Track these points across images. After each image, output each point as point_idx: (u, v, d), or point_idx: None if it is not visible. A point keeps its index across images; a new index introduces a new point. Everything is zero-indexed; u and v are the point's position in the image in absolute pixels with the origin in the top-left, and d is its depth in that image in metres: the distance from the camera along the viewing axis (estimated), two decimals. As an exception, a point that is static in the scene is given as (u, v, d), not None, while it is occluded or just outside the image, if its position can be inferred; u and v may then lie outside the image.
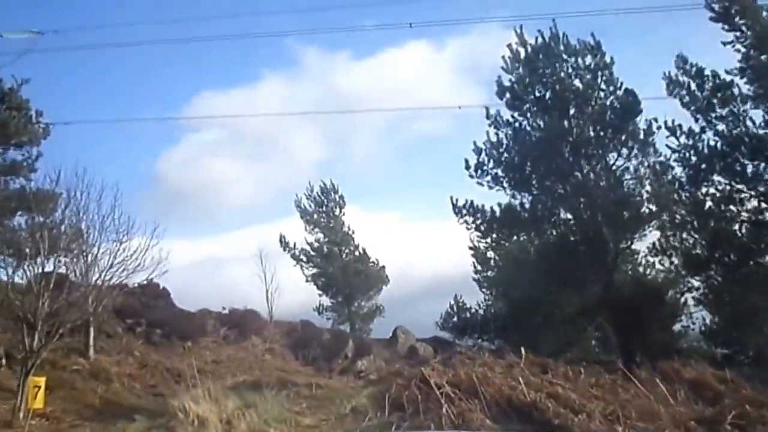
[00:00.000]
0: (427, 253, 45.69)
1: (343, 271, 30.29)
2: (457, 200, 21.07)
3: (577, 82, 19.49)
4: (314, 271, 31.00)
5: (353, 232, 31.61)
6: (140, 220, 17.82)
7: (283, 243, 31.12)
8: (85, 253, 17.47)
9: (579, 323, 22.07)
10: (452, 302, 30.42)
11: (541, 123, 19.55)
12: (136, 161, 50.26)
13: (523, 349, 14.70)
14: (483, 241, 25.37)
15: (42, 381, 13.11)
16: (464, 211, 20.98)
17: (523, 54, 19.80)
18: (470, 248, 29.85)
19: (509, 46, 19.93)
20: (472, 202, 20.84)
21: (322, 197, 32.29)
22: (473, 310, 30.16)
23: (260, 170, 52.56)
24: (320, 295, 30.89)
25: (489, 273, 28.26)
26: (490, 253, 27.02)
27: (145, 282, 21.54)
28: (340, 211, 32.29)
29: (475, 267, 29.76)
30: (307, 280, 30.82)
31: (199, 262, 37.96)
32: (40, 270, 14.88)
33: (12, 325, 14.78)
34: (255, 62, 56.06)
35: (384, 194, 59.00)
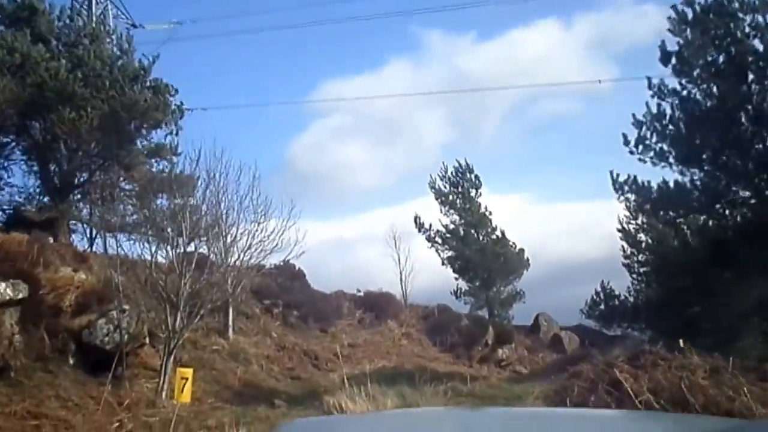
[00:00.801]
0: (562, 235, 44.15)
1: (482, 254, 29.41)
2: (617, 175, 19.53)
3: (756, 43, 17.43)
4: (450, 253, 30.32)
5: (490, 214, 30.65)
6: (277, 201, 17.99)
7: (418, 224, 30.67)
8: (224, 234, 17.79)
9: (749, 317, 20.04)
10: (598, 288, 29.06)
11: (714, 90, 17.66)
12: (267, 147, 51.69)
13: (681, 342, 13.40)
14: (634, 222, 23.77)
15: (189, 373, 12.82)
16: (626, 188, 19.43)
17: (690, 15, 17.96)
18: (619, 230, 28.21)
19: (674, 7, 18.14)
20: (635, 177, 19.23)
21: (457, 177, 31.48)
22: (622, 297, 28.62)
23: (386, 154, 52.82)
24: (456, 279, 30.21)
25: (641, 257, 26.58)
26: (642, 236, 25.39)
27: (281, 263, 21.92)
28: (476, 192, 31.38)
29: (624, 250, 28.14)
30: (443, 263, 30.22)
31: (328, 244, 38.47)
32: (181, 250, 15.09)
33: (155, 305, 15.08)
34: (379, 48, 56.13)
35: (512, 175, 57.52)
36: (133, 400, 13.28)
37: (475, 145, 52.26)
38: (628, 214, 27.80)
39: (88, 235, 22.64)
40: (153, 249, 15.72)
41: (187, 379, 12.17)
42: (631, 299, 28.54)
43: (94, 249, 20.84)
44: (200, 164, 17.10)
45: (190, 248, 15.56)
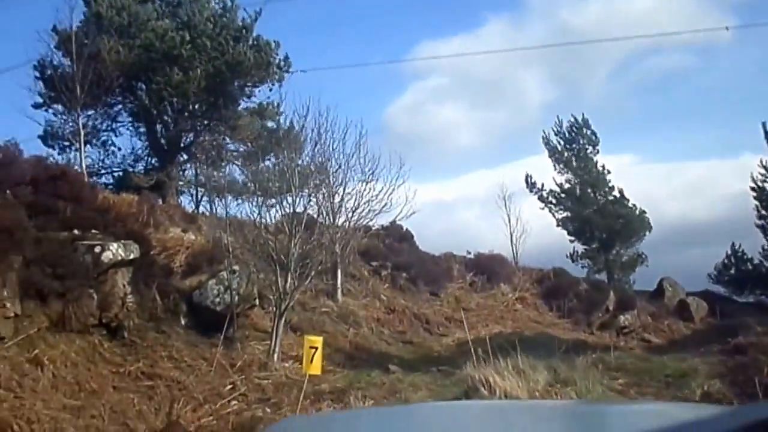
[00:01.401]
0: (678, 196, 41.79)
1: (600, 215, 27.97)
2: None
3: None
4: (565, 214, 29.02)
5: (608, 173, 29.04)
6: (383, 160, 17.45)
7: (529, 184, 29.46)
8: (332, 194, 17.46)
9: None
10: (728, 251, 27.23)
11: None
12: (364, 109, 51.30)
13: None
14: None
15: (319, 342, 11.13)
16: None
17: None
18: (753, 188, 26.26)
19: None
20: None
21: (572, 134, 29.96)
22: (756, 261, 26.72)
23: (485, 115, 51.33)
24: (572, 241, 28.92)
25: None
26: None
27: (388, 224, 21.48)
28: (593, 149, 29.78)
29: (758, 210, 26.20)
30: (557, 224, 28.98)
31: (427, 206, 37.77)
32: (290, 210, 14.83)
33: (264, 266, 14.94)
34: (477, 7, 54.10)
35: (620, 135, 54.70)
36: (245, 362, 13.20)
37: (579, 104, 50.16)
38: (764, 171, 25.84)
39: (196, 197, 22.94)
40: (262, 209, 15.53)
41: (316, 348, 10.69)
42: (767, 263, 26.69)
43: (201, 210, 21.08)
44: (307, 122, 16.74)
45: (299, 209, 15.21)
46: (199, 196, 22.63)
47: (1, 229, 11.85)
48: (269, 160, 21.96)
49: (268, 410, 11.59)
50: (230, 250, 14.45)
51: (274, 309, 13.98)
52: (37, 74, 20.69)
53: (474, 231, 37.73)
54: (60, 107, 20.56)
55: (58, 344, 11.84)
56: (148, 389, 11.47)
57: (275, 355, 13.59)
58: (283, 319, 13.85)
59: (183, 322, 14.18)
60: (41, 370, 10.55)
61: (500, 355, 12.05)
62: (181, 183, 22.41)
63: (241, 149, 22.97)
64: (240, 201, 19.30)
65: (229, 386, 12.24)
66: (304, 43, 46.66)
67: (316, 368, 10.11)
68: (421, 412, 3.73)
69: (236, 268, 14.70)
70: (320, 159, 16.99)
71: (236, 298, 14.36)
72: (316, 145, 16.72)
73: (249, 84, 21.72)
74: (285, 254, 13.80)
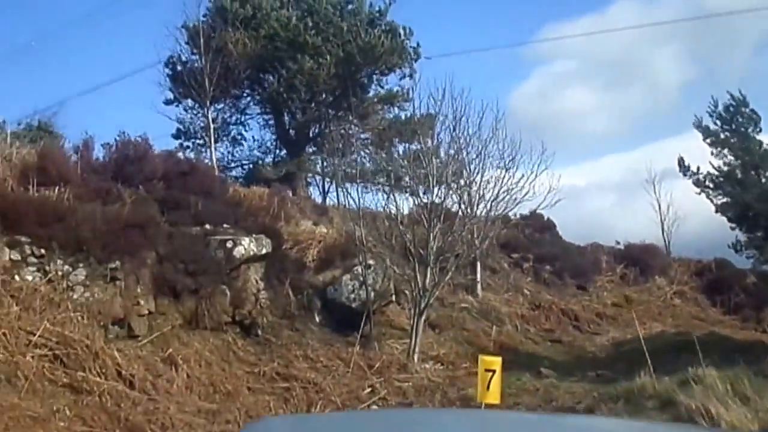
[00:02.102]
0: None
1: (766, 200, 25.43)
2: None
3: None
4: (724, 199, 26.61)
5: (773, 153, 26.35)
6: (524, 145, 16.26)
7: (683, 167, 27.22)
8: (469, 182, 16.51)
9: None
10: None
11: None
12: (487, 96, 49.76)
13: None
14: None
15: (497, 363, 8.27)
16: None
17: None
18: None
19: None
20: None
21: (730, 113, 27.40)
22: None
23: (616, 98, 48.56)
24: (733, 229, 26.45)
25: None
26: None
27: (528, 213, 20.27)
28: (755, 128, 27.11)
29: None
30: (716, 211, 26.60)
31: (562, 192, 35.80)
32: (428, 200, 14.05)
33: (398, 259, 14.29)
34: None
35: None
36: (383, 362, 12.57)
37: (721, 83, 46.34)
38: None
39: (323, 188, 22.66)
40: (396, 200, 14.84)
41: (493, 372, 8.24)
42: None
43: (330, 201, 20.75)
44: (442, 107, 15.83)
45: (435, 199, 14.39)
46: (328, 187, 22.35)
47: (135, 224, 11.78)
48: (399, 147, 21.64)
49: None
50: (364, 243, 13.83)
51: (413, 306, 13.26)
52: (168, 71, 21.09)
53: (611, 218, 35.66)
54: (190, 102, 20.80)
55: (192, 342, 11.66)
56: (284, 391, 11.03)
57: (415, 356, 12.89)
58: (423, 317, 13.09)
59: (317, 319, 13.77)
60: (175, 370, 10.32)
61: (669, 359, 10.74)
62: (310, 174, 22.15)
63: (370, 138, 22.44)
64: (370, 191, 18.76)
65: (368, 389, 11.63)
66: (425, 29, 45.90)
67: (494, 396, 7.87)
68: (402, 418, 3.70)
69: (372, 262, 14.10)
70: (455, 145, 16.06)
71: (372, 294, 13.76)
72: (454, 130, 15.78)
73: (380, 70, 21.10)
74: (423, 247, 13.01)
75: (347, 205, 17.25)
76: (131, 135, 14.82)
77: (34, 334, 8.71)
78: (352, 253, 14.71)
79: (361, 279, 13.89)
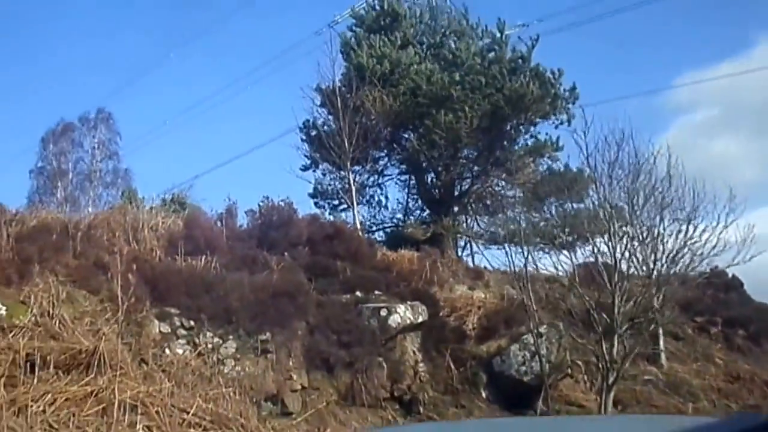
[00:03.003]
0: None
1: None
2: None
3: None
4: None
5: None
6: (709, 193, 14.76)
7: None
8: (641, 237, 15.19)
9: None
10: None
11: None
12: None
13: None
14: None
15: None
16: None
17: None
18: None
19: None
20: None
21: None
22: None
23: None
24: None
25: None
26: None
27: (707, 270, 18.49)
28: None
29: None
30: None
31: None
32: (609, 260, 12.91)
33: (572, 327, 13.21)
34: (743, 25, 48.22)
35: None
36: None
37: None
38: None
39: (470, 249, 21.83)
40: (568, 260, 13.79)
41: None
42: None
43: (478, 262, 19.87)
44: (595, 156, 14.69)
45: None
46: (478, 247, 21.53)
47: (284, 293, 11.38)
48: (554, 203, 20.57)
49: None
50: (534, 309, 12.83)
51: (600, 380, 12.03)
52: (303, 136, 21.23)
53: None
54: (328, 165, 20.72)
55: (349, 420, 11.06)
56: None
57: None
58: (612, 394, 11.81)
59: (483, 394, 12.80)
60: (335, 451, 9.62)
61: None
62: (458, 234, 21.39)
63: (520, 194, 21.49)
64: (527, 251, 17.74)
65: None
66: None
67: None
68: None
69: (543, 330, 13.03)
70: (614, 197, 14.82)
71: (547, 366, 12.64)
72: (617, 182, 14.59)
73: (528, 120, 20.29)
74: (607, 312, 11.84)
75: (505, 267, 16.41)
76: (274, 200, 14.66)
77: (188, 412, 8.25)
78: (517, 320, 13.71)
79: (533, 349, 12.82)
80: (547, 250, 17.86)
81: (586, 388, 13.14)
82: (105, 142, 28.12)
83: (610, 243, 13.51)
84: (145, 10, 47.33)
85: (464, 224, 21.95)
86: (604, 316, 11.84)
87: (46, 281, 8.72)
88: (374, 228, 22.18)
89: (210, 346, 9.87)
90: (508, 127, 20.53)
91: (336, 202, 21.51)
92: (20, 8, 44.46)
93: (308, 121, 21.24)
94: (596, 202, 14.75)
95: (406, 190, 22.64)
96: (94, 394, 7.65)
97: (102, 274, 9.49)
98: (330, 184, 21.55)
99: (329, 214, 21.00)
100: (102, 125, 28.17)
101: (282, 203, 14.47)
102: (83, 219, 10.93)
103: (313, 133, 21.14)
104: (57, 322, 8.34)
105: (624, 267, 13.82)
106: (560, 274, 15.22)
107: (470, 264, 19.18)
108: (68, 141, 27.79)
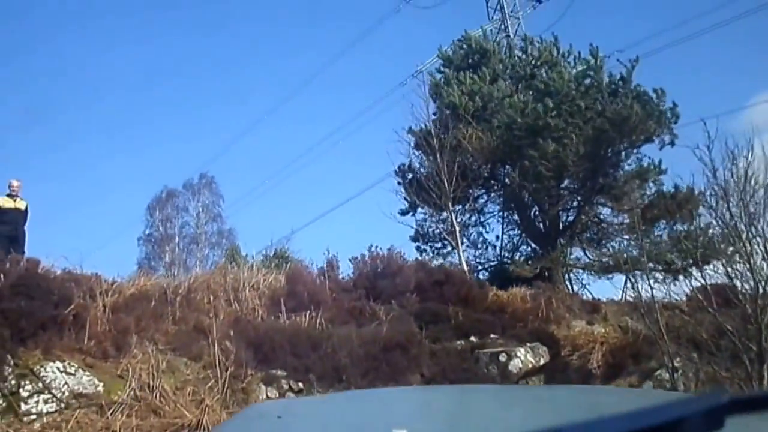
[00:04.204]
0: None
1: None
2: None
3: None
4: None
5: None
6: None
7: None
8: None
9: None
10: None
11: None
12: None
13: None
14: None
15: None
16: None
17: None
18: None
19: None
20: None
21: None
22: None
23: None
24: None
25: None
26: None
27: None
28: None
29: None
30: None
31: None
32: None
33: (703, 359, 11.62)
34: None
35: None
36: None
37: None
38: None
39: (579, 282, 20.23)
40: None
41: None
42: None
43: (591, 294, 18.30)
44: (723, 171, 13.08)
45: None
46: (588, 279, 19.96)
47: (395, 345, 10.37)
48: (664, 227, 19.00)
49: None
50: (666, 341, 11.31)
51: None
52: (399, 179, 20.37)
53: None
54: (428, 208, 19.72)
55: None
56: None
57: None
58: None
59: (618, 439, 11.24)
60: None
61: None
62: (569, 267, 19.88)
63: (627, 221, 19.86)
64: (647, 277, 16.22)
65: None
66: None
67: None
68: (383, 396, 3.94)
69: (678, 363, 11.47)
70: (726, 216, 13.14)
71: (686, 403, 11.06)
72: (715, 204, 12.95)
73: (631, 141, 18.76)
74: (754, 339, 10.23)
75: (625, 298, 14.93)
76: (380, 247, 13.73)
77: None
78: (645, 354, 12.20)
79: (668, 386, 11.27)
80: (661, 276, 16.45)
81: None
82: (209, 206, 28.15)
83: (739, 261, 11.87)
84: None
85: (573, 255, 20.44)
86: (748, 343, 10.21)
87: (145, 352, 7.98)
88: (479, 268, 20.91)
89: (321, 408, 8.89)
90: (612, 153, 19.03)
91: (439, 245, 20.43)
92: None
93: (404, 164, 20.39)
94: (720, 220, 13.07)
95: (510, 226, 21.35)
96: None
97: (203, 339, 8.69)
98: (431, 227, 20.53)
99: (433, 257, 19.94)
100: (205, 189, 28.25)
101: (389, 250, 13.53)
102: (182, 283, 10.26)
103: (410, 176, 20.24)
104: (157, 395, 7.56)
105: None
106: (678, 299, 13.86)
107: (584, 297, 17.63)
108: (173, 207, 27.94)
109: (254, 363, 8.74)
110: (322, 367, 9.15)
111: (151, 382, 7.59)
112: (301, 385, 8.92)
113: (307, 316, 10.21)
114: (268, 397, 8.61)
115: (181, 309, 9.08)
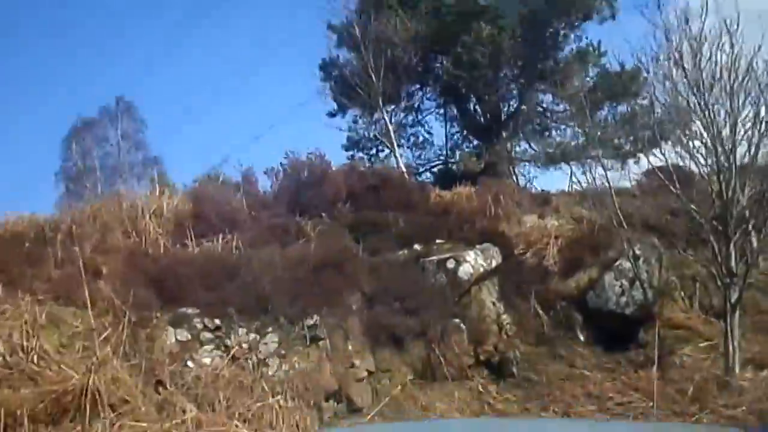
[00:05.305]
0: None
1: None
2: None
3: None
4: None
5: None
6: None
7: None
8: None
9: None
10: None
11: None
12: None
13: None
14: None
15: None
16: None
17: None
18: None
19: None
20: None
21: None
22: None
23: None
24: None
25: None
26: None
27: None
28: None
29: None
30: None
31: None
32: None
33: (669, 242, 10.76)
34: None
35: None
36: (696, 384, 8.83)
37: None
38: None
39: (528, 174, 19.19)
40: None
41: None
42: None
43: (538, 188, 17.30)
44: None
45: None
46: (535, 172, 18.93)
47: (327, 263, 9.08)
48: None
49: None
50: (624, 227, 10.30)
51: (723, 298, 9.42)
52: (323, 75, 18.70)
53: None
54: (358, 109, 18.19)
55: (432, 401, 8.85)
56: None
57: (736, 367, 9.08)
58: (737, 312, 9.25)
59: (581, 337, 10.42)
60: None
61: None
62: (515, 160, 18.74)
63: (570, 108, 18.69)
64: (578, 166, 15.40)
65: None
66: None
67: None
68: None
69: (639, 251, 10.51)
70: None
71: (650, 293, 10.17)
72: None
73: (569, 23, 17.40)
74: (719, 216, 9.20)
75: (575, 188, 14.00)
76: (300, 154, 12.22)
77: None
78: (604, 245, 11.21)
79: (631, 275, 10.34)
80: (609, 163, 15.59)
81: (686, 306, 10.64)
82: (130, 133, 26.00)
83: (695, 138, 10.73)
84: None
85: (517, 148, 19.29)
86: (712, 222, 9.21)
87: (16, 305, 6.52)
88: (421, 170, 19.59)
89: (246, 346, 7.62)
90: (550, 34, 17.62)
91: (374, 150, 19.00)
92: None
93: (324, 60, 18.64)
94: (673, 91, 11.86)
95: (447, 122, 19.95)
96: (89, 448, 5.54)
97: (95, 282, 7.24)
98: (364, 129, 19.02)
99: (370, 166, 18.49)
100: (125, 115, 26.03)
101: (311, 156, 12.04)
102: (65, 217, 8.71)
103: (335, 72, 18.53)
104: (35, 356, 6.15)
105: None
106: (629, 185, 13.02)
107: (533, 191, 16.55)
108: (93, 137, 25.72)
109: (159, 303, 7.37)
110: (242, 298, 7.83)
111: (25, 343, 6.17)
112: (218, 322, 7.60)
113: (221, 240, 8.83)
114: (177, 341, 7.28)
115: (65, 249, 7.59)
